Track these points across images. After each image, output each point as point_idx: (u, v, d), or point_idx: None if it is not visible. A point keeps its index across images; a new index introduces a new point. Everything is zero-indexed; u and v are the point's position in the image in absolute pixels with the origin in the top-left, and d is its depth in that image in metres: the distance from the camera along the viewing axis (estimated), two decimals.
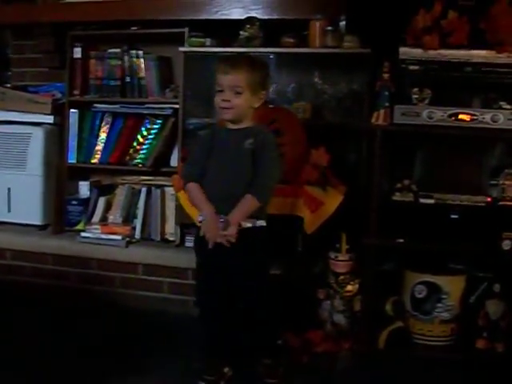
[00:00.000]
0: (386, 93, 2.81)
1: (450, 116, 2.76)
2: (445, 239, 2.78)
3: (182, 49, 3.40)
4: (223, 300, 2.47)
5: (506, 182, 2.83)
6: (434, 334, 2.87)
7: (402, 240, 2.83)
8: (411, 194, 2.85)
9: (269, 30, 3.23)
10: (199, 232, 2.43)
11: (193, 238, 3.38)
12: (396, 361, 2.77)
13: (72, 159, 3.78)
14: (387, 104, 2.81)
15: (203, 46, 3.37)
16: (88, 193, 3.85)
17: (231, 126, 2.44)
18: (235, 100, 2.36)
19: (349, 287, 2.91)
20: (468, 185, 2.95)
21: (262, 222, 2.43)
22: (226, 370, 2.53)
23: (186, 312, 3.18)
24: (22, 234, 3.73)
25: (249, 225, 2.38)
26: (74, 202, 3.79)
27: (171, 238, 3.57)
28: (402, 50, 2.80)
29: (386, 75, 2.81)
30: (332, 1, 3.22)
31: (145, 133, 3.64)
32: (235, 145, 2.40)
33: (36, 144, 3.74)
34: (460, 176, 3.02)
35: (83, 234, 3.58)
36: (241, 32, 3.24)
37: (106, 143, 3.71)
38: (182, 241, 3.51)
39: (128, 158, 3.66)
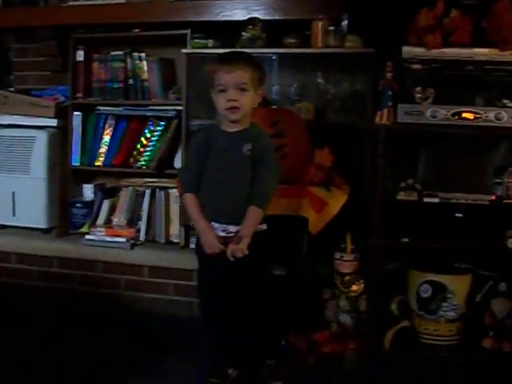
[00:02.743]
0: (389, 92, 2.81)
1: (454, 115, 2.76)
2: (450, 238, 2.78)
3: (184, 50, 3.40)
4: (226, 302, 2.46)
5: (511, 180, 2.82)
6: (439, 334, 2.86)
7: (406, 239, 2.83)
8: (415, 193, 2.85)
9: (271, 31, 3.23)
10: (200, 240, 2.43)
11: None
12: (402, 360, 2.76)
13: (76, 162, 3.78)
14: (390, 103, 2.80)
15: (206, 47, 3.37)
16: (92, 195, 3.84)
17: (228, 129, 2.39)
18: (242, 98, 2.32)
19: (354, 287, 2.91)
20: (472, 183, 2.94)
21: (262, 226, 2.43)
22: (230, 371, 2.53)
23: (191, 313, 3.18)
24: (27, 237, 3.74)
25: None
26: (79, 205, 3.80)
27: (176, 240, 3.57)
28: (405, 49, 2.79)
29: (388, 74, 2.81)
30: (334, 1, 3.22)
31: (148, 135, 3.64)
32: (233, 150, 2.36)
33: (40, 147, 3.74)
34: (464, 174, 3.01)
35: (88, 237, 3.59)
36: (243, 33, 3.24)
37: (110, 146, 3.71)
38: (187, 242, 3.51)
39: (132, 160, 3.66)
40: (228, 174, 2.37)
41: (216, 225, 2.39)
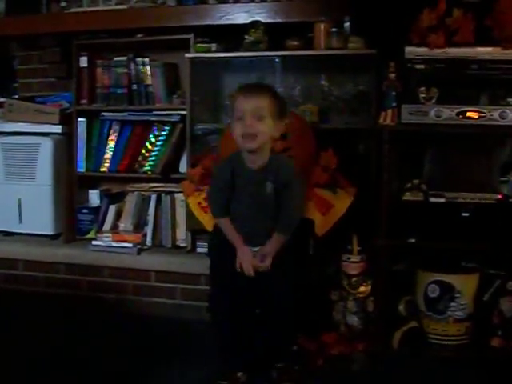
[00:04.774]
0: (393, 93, 2.81)
1: (458, 114, 2.75)
2: (456, 238, 2.77)
3: (187, 55, 3.41)
4: (238, 305, 2.47)
5: None
6: (448, 333, 2.85)
7: (413, 240, 2.83)
8: (421, 194, 2.84)
9: (274, 34, 3.24)
10: (214, 238, 2.48)
11: (204, 244, 3.41)
12: (411, 361, 2.76)
13: (81, 168, 3.80)
14: (394, 104, 2.80)
15: (209, 51, 3.38)
16: (98, 201, 3.86)
17: (250, 164, 2.42)
18: (259, 126, 2.33)
19: (361, 288, 2.90)
20: (478, 182, 2.94)
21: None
22: (239, 374, 2.52)
23: (199, 318, 3.18)
24: (34, 244, 3.75)
25: None
26: (85, 211, 3.81)
27: (182, 244, 3.57)
28: (408, 49, 2.79)
29: (392, 75, 2.81)
30: (336, 2, 3.22)
31: (153, 140, 3.65)
32: (257, 188, 2.42)
33: (45, 154, 3.76)
34: (470, 174, 3.01)
35: (94, 243, 3.59)
36: (246, 36, 3.25)
37: (115, 151, 3.72)
38: (194, 247, 3.52)
39: (137, 165, 3.66)
40: (253, 209, 2.44)
41: None
